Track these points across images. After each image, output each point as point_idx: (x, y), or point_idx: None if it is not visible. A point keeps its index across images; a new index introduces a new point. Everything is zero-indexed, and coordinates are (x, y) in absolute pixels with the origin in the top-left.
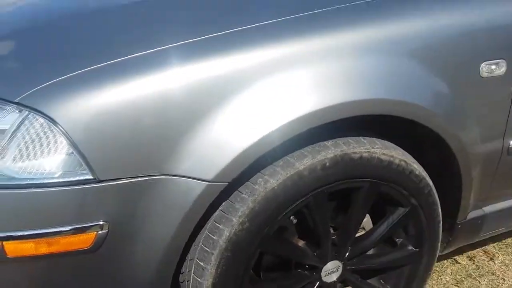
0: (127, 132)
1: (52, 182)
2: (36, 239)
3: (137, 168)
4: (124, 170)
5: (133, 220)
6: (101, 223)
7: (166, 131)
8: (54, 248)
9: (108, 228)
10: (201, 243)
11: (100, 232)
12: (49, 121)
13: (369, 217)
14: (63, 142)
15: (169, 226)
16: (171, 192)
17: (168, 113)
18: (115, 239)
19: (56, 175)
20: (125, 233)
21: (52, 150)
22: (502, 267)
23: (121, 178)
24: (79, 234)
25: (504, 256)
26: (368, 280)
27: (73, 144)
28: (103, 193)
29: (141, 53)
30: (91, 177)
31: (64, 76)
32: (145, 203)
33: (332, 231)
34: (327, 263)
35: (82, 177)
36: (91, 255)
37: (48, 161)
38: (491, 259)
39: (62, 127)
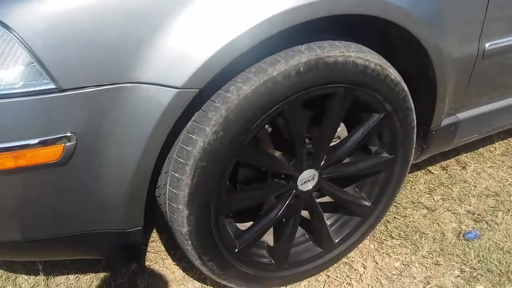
0: (89, 37)
1: (13, 93)
2: (2, 153)
3: (101, 76)
4: (88, 78)
5: (102, 131)
6: (68, 134)
7: (130, 35)
8: (22, 162)
9: (76, 140)
10: (175, 155)
11: (68, 144)
12: (4, 27)
13: (344, 127)
14: (20, 50)
15: (140, 137)
16: (140, 101)
17: (133, 15)
18: (85, 152)
19: (17, 86)
20: (94, 145)
21: (9, 59)
22: (474, 175)
23: (85, 87)
24: (46, 147)
25: (476, 165)
26: (343, 189)
27: (31, 52)
28: (67, 102)
29: None
30: (53, 86)
31: None
32: (113, 113)
33: (307, 141)
34: (303, 171)
35: (44, 87)
36: (61, 169)
37: (7, 72)
38: (463, 168)
39: (18, 34)
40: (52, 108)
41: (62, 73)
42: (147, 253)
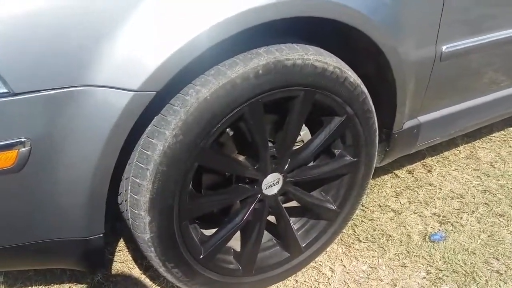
0: (41, 40)
1: None
2: None
3: (54, 79)
4: (41, 82)
5: (56, 136)
6: (22, 139)
7: (82, 36)
8: None
9: (31, 145)
10: (135, 160)
11: (22, 149)
12: None
13: (308, 130)
14: None
15: (95, 142)
16: (95, 104)
17: (85, 16)
18: (39, 158)
19: None
20: (49, 150)
21: None
22: (439, 178)
23: (38, 91)
24: (0, 152)
25: (441, 168)
26: (309, 193)
27: None
28: (20, 107)
29: None
30: (5, 90)
31: None
32: (68, 117)
33: (271, 145)
34: (267, 175)
35: None
36: (16, 176)
37: None
38: (429, 171)
39: None
40: (4, 112)
41: (14, 76)
42: (114, 262)
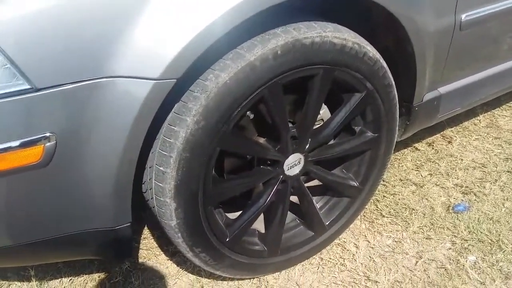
0: (61, 35)
1: None
2: None
3: (75, 73)
4: (63, 76)
5: (81, 129)
6: (47, 135)
7: (101, 28)
8: (3, 165)
9: (56, 140)
10: (158, 148)
11: (48, 144)
12: None
13: (327, 109)
14: None
15: (120, 132)
16: (117, 95)
17: (103, 9)
18: (65, 151)
19: None
20: (75, 144)
21: None
22: (460, 148)
23: (60, 85)
24: (26, 148)
25: (461, 139)
26: (331, 171)
27: (4, 54)
28: (44, 102)
29: None
30: (28, 86)
31: None
32: (91, 110)
33: (291, 125)
34: (288, 156)
35: (18, 88)
36: (43, 170)
37: None
38: (449, 142)
39: None
40: (29, 108)
41: (36, 72)
42: (140, 250)
